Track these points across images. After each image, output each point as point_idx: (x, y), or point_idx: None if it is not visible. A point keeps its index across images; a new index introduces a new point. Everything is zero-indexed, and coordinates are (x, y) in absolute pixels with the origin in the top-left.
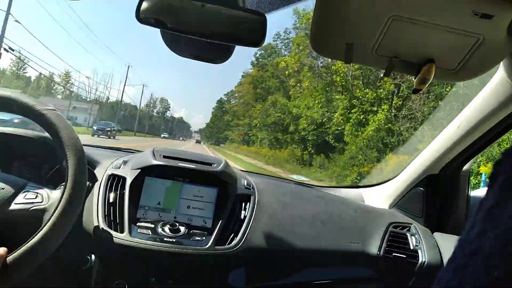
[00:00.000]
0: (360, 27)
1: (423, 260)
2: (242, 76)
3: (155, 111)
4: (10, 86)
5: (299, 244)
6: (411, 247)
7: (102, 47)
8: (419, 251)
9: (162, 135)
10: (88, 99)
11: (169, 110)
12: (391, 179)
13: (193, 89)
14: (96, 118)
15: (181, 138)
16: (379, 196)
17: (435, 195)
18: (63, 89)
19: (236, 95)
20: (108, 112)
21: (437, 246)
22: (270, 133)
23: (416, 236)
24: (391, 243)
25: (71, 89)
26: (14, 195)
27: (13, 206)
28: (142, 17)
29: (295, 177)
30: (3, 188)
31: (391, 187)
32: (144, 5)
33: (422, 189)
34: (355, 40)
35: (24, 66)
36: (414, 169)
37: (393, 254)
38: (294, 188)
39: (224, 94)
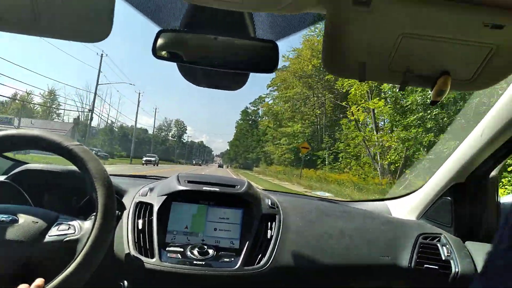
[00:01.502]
0: (370, 47)
1: (456, 270)
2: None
3: (170, 135)
4: None
5: (328, 261)
6: (443, 258)
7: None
8: (451, 261)
9: (144, 159)
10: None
11: (185, 133)
12: (417, 190)
13: (212, 114)
14: None
15: (194, 162)
16: (406, 208)
17: (464, 204)
18: (49, 110)
19: (275, 93)
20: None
21: (470, 256)
22: None
23: (447, 246)
24: (422, 254)
25: (58, 108)
26: (48, 228)
27: (47, 239)
28: (159, 54)
29: (319, 193)
30: (37, 222)
31: (417, 198)
32: (160, 41)
33: (449, 198)
34: (367, 59)
35: None
36: (440, 178)
37: (425, 265)
38: (319, 205)
39: (250, 103)
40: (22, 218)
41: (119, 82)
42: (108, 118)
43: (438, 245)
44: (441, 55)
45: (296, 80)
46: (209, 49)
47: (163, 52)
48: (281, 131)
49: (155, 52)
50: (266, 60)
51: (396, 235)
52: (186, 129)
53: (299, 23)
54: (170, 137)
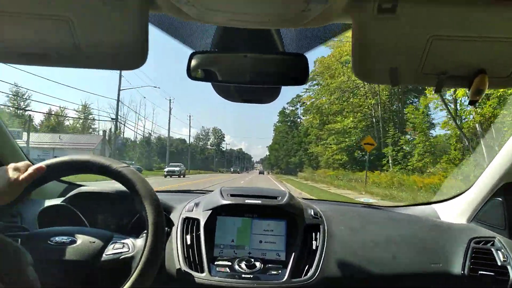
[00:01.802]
0: (401, 51)
1: None
2: None
3: (208, 143)
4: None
5: (375, 270)
6: (499, 263)
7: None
8: (508, 267)
9: (166, 169)
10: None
11: (224, 141)
12: (465, 191)
13: (249, 121)
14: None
15: (232, 170)
16: (455, 211)
17: None
18: (84, 124)
19: (316, 87)
20: (129, 146)
21: None
22: None
23: (503, 250)
24: (475, 260)
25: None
26: (104, 247)
27: (104, 257)
28: (193, 75)
29: (362, 200)
30: (94, 242)
31: (466, 200)
32: (193, 63)
33: (500, 199)
34: (398, 63)
35: (26, 103)
36: (488, 178)
37: (479, 272)
38: (363, 212)
39: (288, 103)
40: (80, 239)
41: (143, 86)
42: (144, 130)
43: (493, 249)
44: (475, 54)
45: (342, 66)
46: (240, 66)
47: (197, 73)
48: (329, 128)
49: (190, 73)
50: (296, 72)
51: (446, 240)
52: (224, 137)
53: (326, 33)
54: (209, 146)
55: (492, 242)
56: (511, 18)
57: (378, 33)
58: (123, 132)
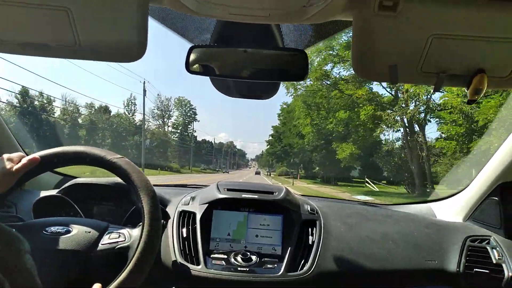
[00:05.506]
0: (401, 49)
1: (510, 274)
2: None
3: (169, 122)
4: None
5: (371, 266)
6: (494, 261)
7: None
8: (503, 265)
9: None
10: None
11: (196, 120)
12: (461, 190)
13: (246, 119)
14: None
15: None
16: (451, 210)
17: None
18: None
19: None
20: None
21: None
22: None
23: (498, 249)
24: (470, 258)
25: None
26: (100, 237)
27: (100, 247)
28: (192, 69)
29: (359, 197)
30: (89, 232)
31: (462, 199)
32: (192, 57)
33: (496, 198)
34: (397, 61)
35: None
36: (485, 178)
37: (475, 269)
38: (359, 209)
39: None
40: (76, 229)
41: None
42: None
43: (488, 247)
44: (475, 54)
45: None
46: (239, 61)
47: (196, 67)
48: None
49: (188, 67)
50: (296, 68)
51: (442, 238)
52: (196, 114)
53: (327, 30)
54: (170, 127)
55: (487, 241)
56: (510, 19)
57: (378, 30)
58: None
